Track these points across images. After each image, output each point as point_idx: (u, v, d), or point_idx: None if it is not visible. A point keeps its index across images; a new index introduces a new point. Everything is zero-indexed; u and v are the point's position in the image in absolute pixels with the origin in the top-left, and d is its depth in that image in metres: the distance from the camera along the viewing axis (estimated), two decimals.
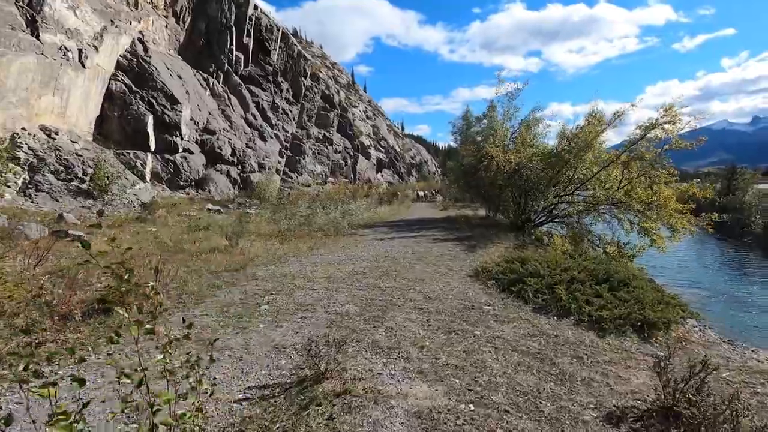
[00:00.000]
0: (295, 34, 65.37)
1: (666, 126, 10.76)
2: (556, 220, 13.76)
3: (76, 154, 13.09)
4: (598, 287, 4.78)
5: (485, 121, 16.39)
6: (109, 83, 15.83)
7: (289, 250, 8.07)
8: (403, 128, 78.30)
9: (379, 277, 5.70)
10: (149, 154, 16.64)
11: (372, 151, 42.63)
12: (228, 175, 21.08)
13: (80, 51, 13.75)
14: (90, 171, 13.01)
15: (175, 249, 7.66)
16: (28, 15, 11.71)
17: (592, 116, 11.02)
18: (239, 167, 21.96)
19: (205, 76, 21.83)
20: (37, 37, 12.01)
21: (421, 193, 31.65)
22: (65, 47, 13.14)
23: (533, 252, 7.85)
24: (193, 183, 18.72)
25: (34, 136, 12.13)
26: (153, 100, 16.67)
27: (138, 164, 16.06)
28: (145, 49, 17.12)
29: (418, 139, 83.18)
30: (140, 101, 16.34)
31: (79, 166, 12.91)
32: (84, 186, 12.88)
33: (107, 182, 13.22)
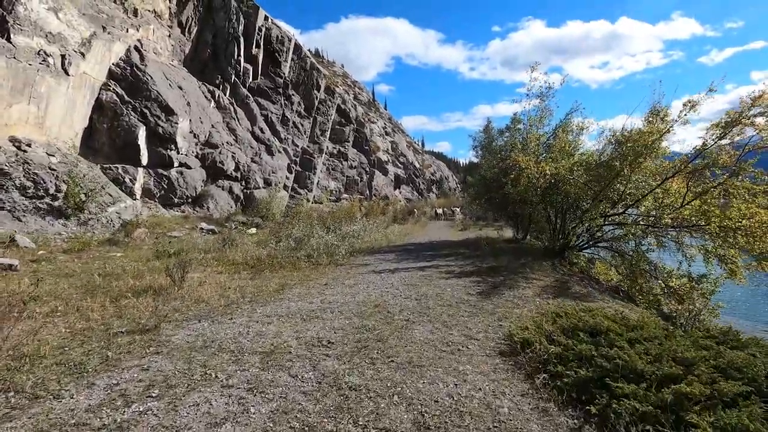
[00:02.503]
0: (317, 54, 65.69)
1: (757, 119, 8.26)
2: (600, 244, 11.30)
3: (50, 168, 11.75)
4: None
5: (508, 134, 14.40)
6: (99, 93, 14.70)
7: (252, 289, 6.06)
8: (423, 145, 76.79)
9: (351, 358, 3.38)
10: (140, 169, 15.31)
11: (390, 167, 40.88)
12: (230, 191, 19.62)
13: (63, 57, 12.63)
14: (65, 187, 11.62)
15: (103, 287, 5.81)
16: None
17: (652, 113, 8.64)
18: (243, 183, 20.49)
19: (211, 88, 20.73)
20: (8, 39, 10.89)
21: (440, 211, 29.33)
22: (45, 52, 12.02)
23: (599, 306, 5.50)
24: (189, 200, 17.27)
25: (0, 148, 10.86)
26: (146, 111, 15.43)
27: (127, 179, 14.72)
28: (141, 58, 16.04)
29: (439, 156, 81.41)
30: (132, 112, 15.12)
31: (51, 182, 11.53)
32: (56, 204, 11.48)
33: (83, 199, 11.80)
